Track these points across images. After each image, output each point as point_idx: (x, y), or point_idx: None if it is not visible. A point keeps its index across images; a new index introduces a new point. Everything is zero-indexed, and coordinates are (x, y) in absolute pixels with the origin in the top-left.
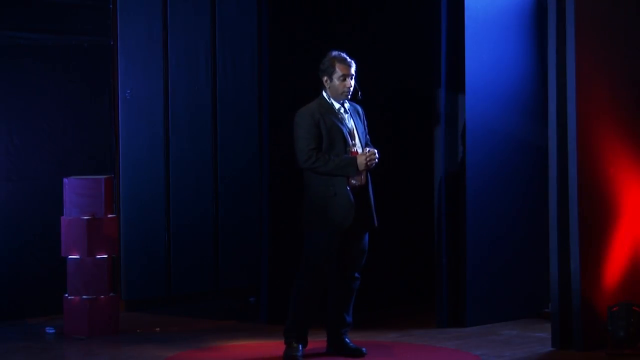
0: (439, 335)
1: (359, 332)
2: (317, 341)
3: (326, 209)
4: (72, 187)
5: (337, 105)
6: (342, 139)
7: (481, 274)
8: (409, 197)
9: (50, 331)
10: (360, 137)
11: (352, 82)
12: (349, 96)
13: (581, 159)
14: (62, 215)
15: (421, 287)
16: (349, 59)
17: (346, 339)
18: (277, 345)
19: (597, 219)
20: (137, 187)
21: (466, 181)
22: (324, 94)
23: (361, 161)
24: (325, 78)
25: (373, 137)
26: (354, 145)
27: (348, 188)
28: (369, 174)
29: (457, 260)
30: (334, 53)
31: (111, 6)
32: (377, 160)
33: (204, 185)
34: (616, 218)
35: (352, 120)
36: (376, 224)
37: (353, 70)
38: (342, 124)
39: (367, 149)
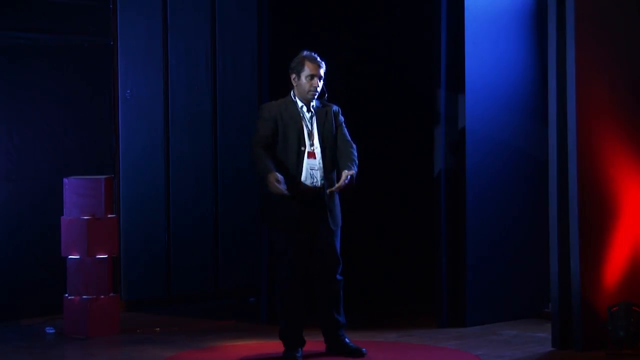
0: (439, 335)
1: (359, 332)
2: (317, 341)
3: (275, 207)
4: (72, 187)
5: (299, 104)
6: (296, 138)
7: (481, 274)
8: (408, 197)
9: (50, 331)
10: (323, 138)
11: (320, 83)
12: (315, 96)
13: (581, 159)
14: (62, 215)
15: (421, 287)
16: (319, 59)
17: (346, 340)
18: (277, 345)
19: (597, 219)
20: (137, 187)
21: (466, 181)
22: (291, 92)
23: (270, 183)
24: (293, 76)
25: (373, 137)
26: (312, 145)
27: (299, 189)
28: (334, 178)
29: (457, 260)
30: (305, 52)
31: (111, 6)
32: (347, 183)
33: (204, 185)
34: (616, 218)
35: (314, 120)
36: (333, 227)
37: (322, 71)
38: (299, 123)
39: (280, 184)
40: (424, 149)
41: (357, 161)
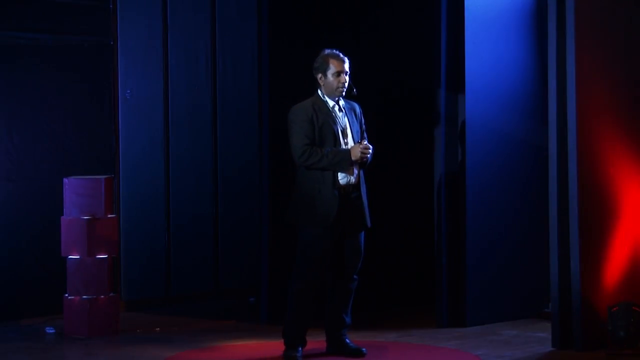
0: (439, 335)
1: (359, 332)
2: (317, 341)
3: (310, 205)
4: (72, 187)
5: (331, 103)
6: (332, 137)
7: (481, 274)
8: (409, 197)
9: (50, 331)
10: (355, 135)
11: (347, 78)
12: (344, 92)
13: (581, 159)
14: (62, 215)
15: (421, 287)
16: (342, 55)
17: (346, 339)
18: (277, 345)
19: (597, 219)
20: (137, 187)
21: (466, 181)
22: (319, 92)
23: (355, 152)
24: (319, 75)
25: (373, 137)
26: (346, 143)
27: (335, 186)
28: (362, 175)
29: (457, 260)
30: (327, 51)
31: (111, 6)
32: (370, 154)
33: (204, 185)
34: (616, 218)
35: (346, 119)
36: (369, 225)
37: (347, 66)
38: (334, 121)
39: (364, 142)
40: (424, 149)
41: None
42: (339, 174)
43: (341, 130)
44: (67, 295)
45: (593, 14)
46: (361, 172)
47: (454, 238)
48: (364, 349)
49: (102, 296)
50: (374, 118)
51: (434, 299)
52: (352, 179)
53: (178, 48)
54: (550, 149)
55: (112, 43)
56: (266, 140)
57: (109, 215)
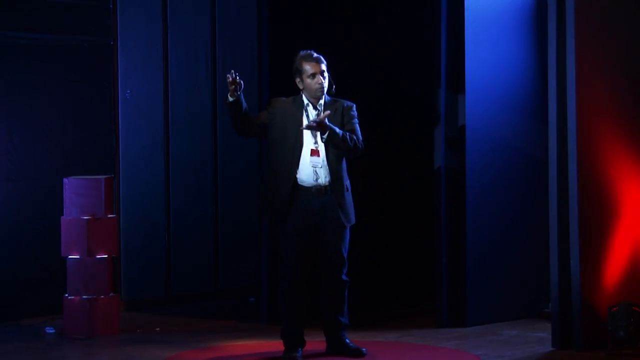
0: (439, 335)
1: (359, 332)
2: (317, 341)
3: (280, 202)
4: (72, 187)
5: (305, 102)
6: (295, 133)
7: (481, 274)
8: (408, 197)
9: (50, 331)
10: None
11: (322, 79)
12: (324, 93)
13: (581, 159)
14: (62, 215)
15: (421, 287)
16: (315, 55)
17: (346, 340)
18: (277, 345)
19: (597, 219)
20: (137, 187)
21: (466, 181)
22: (302, 92)
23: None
24: (297, 79)
25: (373, 137)
26: (316, 143)
27: (294, 184)
28: (344, 173)
29: (457, 260)
30: (302, 52)
31: (111, 6)
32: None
33: (204, 185)
34: (616, 218)
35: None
36: (347, 222)
37: (323, 66)
38: (300, 121)
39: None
40: (423, 149)
41: (350, 141)
42: (305, 175)
43: (311, 130)
44: (67, 295)
45: (593, 14)
46: (343, 173)
47: (454, 238)
48: (364, 349)
49: (102, 296)
50: (374, 118)
51: (434, 299)
52: (322, 180)
53: (178, 48)
54: (550, 149)
55: (112, 43)
56: (266, 140)
57: (109, 215)
